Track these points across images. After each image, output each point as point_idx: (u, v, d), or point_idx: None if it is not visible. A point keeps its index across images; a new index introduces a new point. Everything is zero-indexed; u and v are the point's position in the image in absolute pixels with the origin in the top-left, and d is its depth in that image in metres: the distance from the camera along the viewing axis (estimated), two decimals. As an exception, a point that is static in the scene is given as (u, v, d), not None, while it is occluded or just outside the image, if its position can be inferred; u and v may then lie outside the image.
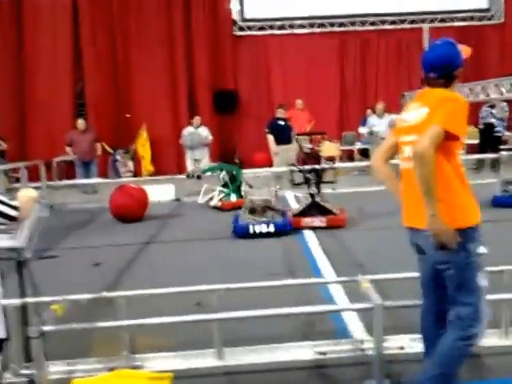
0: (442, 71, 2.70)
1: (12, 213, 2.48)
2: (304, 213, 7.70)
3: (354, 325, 3.95)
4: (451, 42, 2.78)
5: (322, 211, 7.63)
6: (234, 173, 9.86)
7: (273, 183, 8.52)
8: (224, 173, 9.93)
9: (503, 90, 7.76)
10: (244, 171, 9.45)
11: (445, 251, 2.55)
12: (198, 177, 9.98)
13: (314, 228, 7.46)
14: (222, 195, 9.68)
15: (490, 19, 15.69)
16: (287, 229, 7.32)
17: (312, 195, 7.80)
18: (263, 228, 7.29)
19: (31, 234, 2.85)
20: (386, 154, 2.94)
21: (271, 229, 7.28)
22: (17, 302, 3.15)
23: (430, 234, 2.54)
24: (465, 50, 2.78)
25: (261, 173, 9.24)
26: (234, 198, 9.52)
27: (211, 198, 9.74)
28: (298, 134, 8.54)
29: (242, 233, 7.27)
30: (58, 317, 3.27)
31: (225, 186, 9.80)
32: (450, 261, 2.59)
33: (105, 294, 3.71)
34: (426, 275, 2.81)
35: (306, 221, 7.55)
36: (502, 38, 15.46)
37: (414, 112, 2.70)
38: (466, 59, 2.77)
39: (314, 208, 7.70)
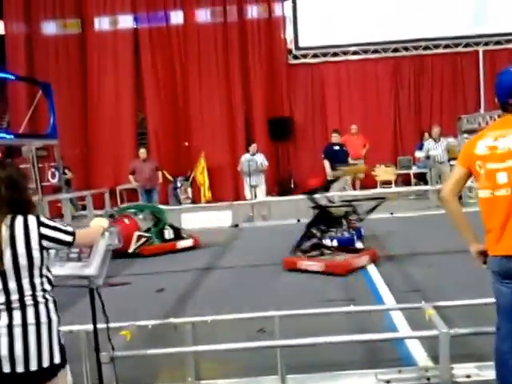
0: None
1: (66, 238, 2.55)
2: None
3: (418, 353, 3.89)
4: None
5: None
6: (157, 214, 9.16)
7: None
8: (142, 215, 9.10)
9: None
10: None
11: None
12: (111, 216, 8.70)
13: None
14: (143, 240, 8.64)
15: (547, 40, 15.33)
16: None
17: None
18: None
19: (102, 261, 2.94)
20: (457, 187, 2.90)
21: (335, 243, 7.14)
22: (88, 327, 3.27)
23: None
24: None
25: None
26: (157, 242, 8.76)
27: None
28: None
29: None
30: (127, 342, 3.41)
31: (147, 230, 8.86)
32: None
33: (171, 319, 3.80)
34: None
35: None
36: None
37: (510, 138, 2.68)
38: None
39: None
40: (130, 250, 8.43)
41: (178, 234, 9.08)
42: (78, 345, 3.48)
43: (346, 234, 7.24)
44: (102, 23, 15.81)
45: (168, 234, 8.95)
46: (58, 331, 2.52)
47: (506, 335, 2.79)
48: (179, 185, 14.72)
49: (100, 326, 3.10)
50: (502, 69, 2.95)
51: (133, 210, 9.36)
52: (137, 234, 8.60)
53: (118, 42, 15.72)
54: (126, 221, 8.69)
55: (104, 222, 2.92)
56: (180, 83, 15.75)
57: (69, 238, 2.56)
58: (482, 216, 2.82)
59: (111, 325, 3.30)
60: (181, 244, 8.89)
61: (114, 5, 15.70)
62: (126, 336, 3.45)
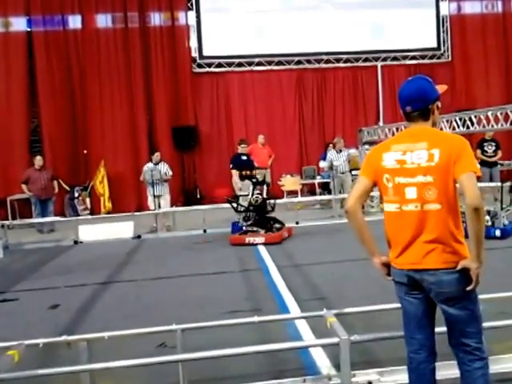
0: (420, 104, 2.71)
1: None
2: None
3: (322, 361, 3.86)
4: (424, 76, 2.83)
5: None
6: None
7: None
8: None
9: (455, 125, 8.01)
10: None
11: (464, 287, 2.61)
12: None
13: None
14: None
15: (439, 58, 16.30)
16: None
17: None
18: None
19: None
20: (361, 199, 2.85)
21: None
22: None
23: (447, 272, 2.61)
24: (440, 87, 2.81)
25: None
26: None
27: None
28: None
29: None
30: (15, 362, 3.14)
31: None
32: (464, 296, 2.65)
33: (65, 337, 3.57)
34: (423, 312, 2.78)
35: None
36: (452, 75, 16.08)
37: (419, 153, 2.65)
38: (442, 94, 2.80)
39: None
40: None
41: None
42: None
43: None
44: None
45: None
46: None
47: (421, 345, 2.80)
48: (76, 195, 14.03)
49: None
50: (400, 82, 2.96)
51: None
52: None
53: (10, 45, 14.68)
54: None
55: None
56: (78, 89, 15.00)
57: None
58: (386, 229, 2.80)
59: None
60: None
61: (6, 6, 14.70)
62: (13, 356, 3.18)
